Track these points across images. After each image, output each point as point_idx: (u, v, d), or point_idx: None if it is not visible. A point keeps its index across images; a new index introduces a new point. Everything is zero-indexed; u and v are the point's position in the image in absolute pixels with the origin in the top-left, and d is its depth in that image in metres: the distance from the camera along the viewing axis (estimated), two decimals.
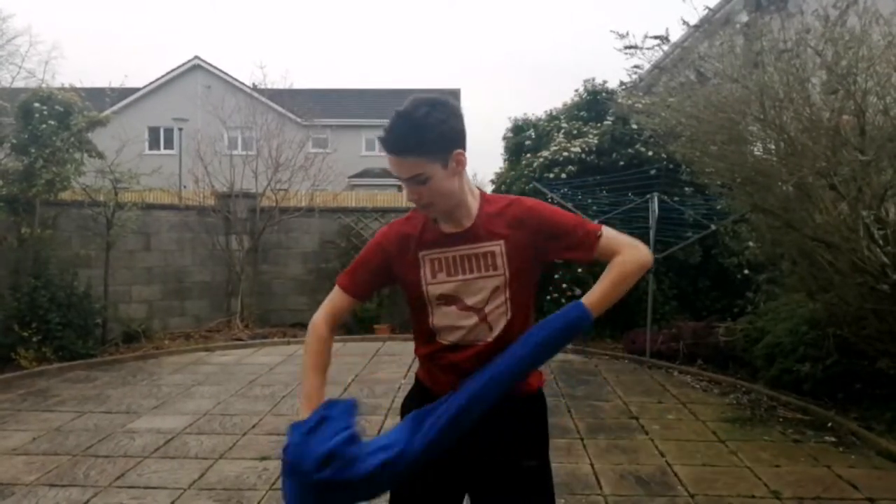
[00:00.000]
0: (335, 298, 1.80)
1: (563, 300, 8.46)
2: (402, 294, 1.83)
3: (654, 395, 5.93)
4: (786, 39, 4.71)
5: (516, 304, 1.69)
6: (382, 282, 1.83)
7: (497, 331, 1.68)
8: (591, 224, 1.73)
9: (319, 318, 1.79)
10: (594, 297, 1.64)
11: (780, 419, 5.10)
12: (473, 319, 1.68)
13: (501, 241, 1.66)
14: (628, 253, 1.65)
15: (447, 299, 1.69)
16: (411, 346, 1.87)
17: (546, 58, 75.38)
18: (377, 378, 6.60)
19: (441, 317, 1.71)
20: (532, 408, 1.77)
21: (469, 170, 1.72)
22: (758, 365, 6.06)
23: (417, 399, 1.77)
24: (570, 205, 8.10)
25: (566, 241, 1.69)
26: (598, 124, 8.90)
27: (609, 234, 1.69)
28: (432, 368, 1.77)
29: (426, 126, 1.53)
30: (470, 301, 1.68)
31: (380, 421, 5.10)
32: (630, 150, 8.46)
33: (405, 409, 1.79)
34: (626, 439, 4.66)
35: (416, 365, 1.89)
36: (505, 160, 10.15)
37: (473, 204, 1.69)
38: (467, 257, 1.68)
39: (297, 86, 15.90)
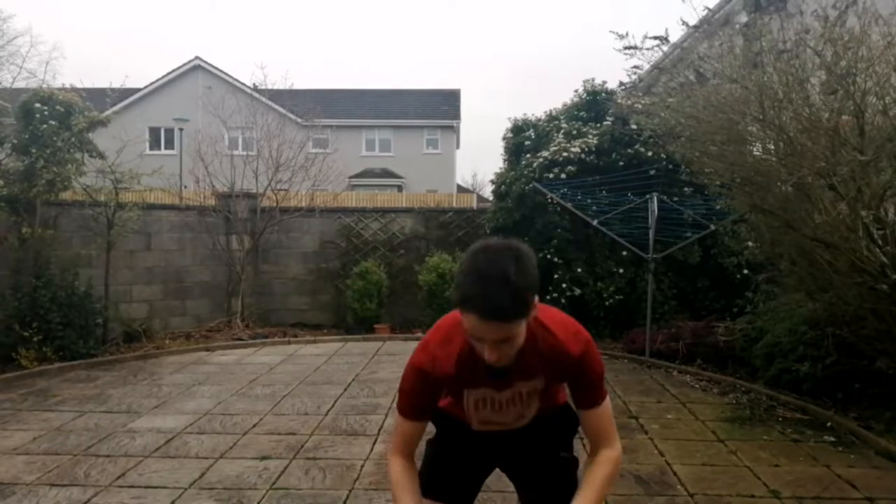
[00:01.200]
0: (401, 427, 1.80)
1: (563, 300, 8.48)
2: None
3: (654, 394, 5.94)
4: (785, 40, 4.72)
5: (547, 399, 1.86)
6: (437, 397, 1.81)
7: (528, 418, 1.86)
8: (603, 389, 1.78)
9: (391, 454, 1.81)
10: None
11: (780, 419, 5.10)
12: (510, 416, 1.83)
13: (542, 378, 1.75)
14: (614, 451, 1.73)
15: (485, 422, 1.85)
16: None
17: (546, 58, 75.38)
18: (377, 378, 6.60)
19: (478, 422, 1.86)
20: (563, 413, 1.96)
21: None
22: (757, 364, 6.06)
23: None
24: (569, 205, 8.12)
25: (585, 393, 1.75)
26: (598, 125, 8.90)
27: (608, 409, 1.76)
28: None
29: (525, 289, 1.48)
30: (506, 419, 1.84)
31: (380, 420, 5.11)
32: (629, 151, 8.46)
33: (440, 420, 1.96)
34: (625, 439, 4.65)
35: None
36: (505, 160, 10.15)
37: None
38: (511, 398, 1.77)
39: (298, 86, 15.91)
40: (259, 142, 10.55)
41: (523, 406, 1.80)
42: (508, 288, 1.45)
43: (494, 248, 1.51)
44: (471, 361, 1.65)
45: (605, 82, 9.43)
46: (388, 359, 7.57)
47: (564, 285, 8.46)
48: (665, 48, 5.74)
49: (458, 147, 31.57)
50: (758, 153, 5.18)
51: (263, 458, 4.26)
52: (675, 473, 3.98)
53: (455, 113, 30.00)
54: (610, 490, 1.77)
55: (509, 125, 10.04)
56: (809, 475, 3.95)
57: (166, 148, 25.98)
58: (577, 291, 8.47)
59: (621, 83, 8.76)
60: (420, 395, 1.74)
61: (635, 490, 3.75)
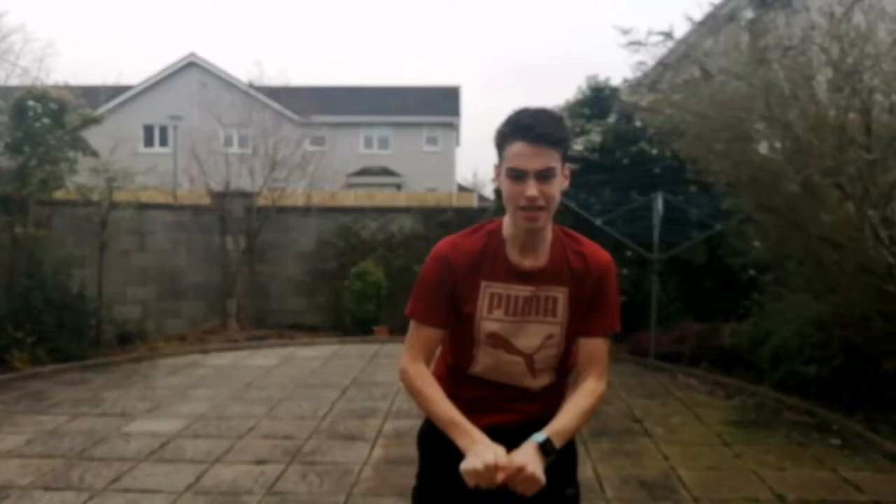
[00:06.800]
0: (417, 335, 1.65)
1: None
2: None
3: (659, 397, 5.88)
4: (791, 36, 4.68)
5: (566, 357, 1.68)
6: (454, 300, 1.64)
7: (541, 380, 1.67)
8: (616, 319, 1.71)
9: (406, 363, 1.64)
10: (558, 428, 1.57)
11: (786, 422, 5.05)
12: (520, 365, 1.66)
13: (566, 289, 1.63)
14: (601, 385, 1.65)
15: (496, 340, 1.64)
16: None
17: (547, 54, 75.46)
18: (376, 381, 6.52)
19: (486, 355, 1.66)
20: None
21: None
22: (763, 367, 5.99)
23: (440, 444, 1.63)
24: (572, 204, 8.03)
25: (598, 317, 1.66)
26: (602, 122, 8.80)
27: (607, 345, 1.68)
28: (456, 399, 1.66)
29: (564, 125, 1.61)
30: (519, 344, 1.64)
31: (378, 424, 5.03)
32: (634, 148, 8.35)
33: (427, 445, 1.76)
34: (629, 443, 4.60)
35: None
36: None
37: (549, 236, 1.65)
38: (529, 300, 1.62)
39: (295, 83, 15.91)
40: (255, 139, 10.48)
41: (542, 317, 1.62)
42: (552, 118, 1.57)
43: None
44: (494, 252, 1.62)
45: (608, 79, 9.30)
46: (387, 361, 7.48)
47: None
48: (670, 44, 5.68)
49: (458, 145, 31.46)
50: (764, 151, 5.13)
51: (259, 462, 4.19)
52: (679, 478, 3.92)
53: (455, 110, 29.90)
54: (586, 421, 1.63)
55: None
56: (815, 479, 3.92)
57: (160, 146, 25.76)
58: None
59: (625, 80, 8.68)
60: (438, 288, 1.62)
61: (639, 495, 3.70)
